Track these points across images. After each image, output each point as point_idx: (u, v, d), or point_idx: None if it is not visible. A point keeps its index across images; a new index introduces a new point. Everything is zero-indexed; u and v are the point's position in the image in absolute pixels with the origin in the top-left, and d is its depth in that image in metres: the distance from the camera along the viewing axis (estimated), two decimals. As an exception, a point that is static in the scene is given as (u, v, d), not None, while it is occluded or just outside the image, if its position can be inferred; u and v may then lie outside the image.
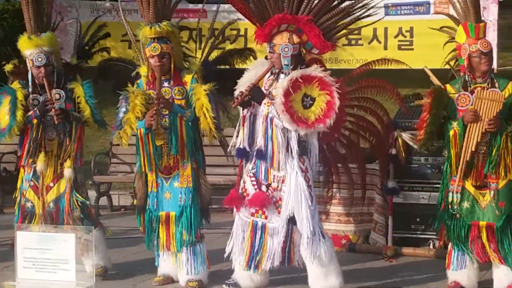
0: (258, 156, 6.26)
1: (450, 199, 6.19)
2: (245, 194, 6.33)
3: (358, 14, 6.39)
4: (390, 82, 6.74)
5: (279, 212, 6.23)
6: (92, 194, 10.12)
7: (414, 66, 8.66)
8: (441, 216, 6.31)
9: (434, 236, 7.50)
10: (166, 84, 6.56)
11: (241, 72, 6.55)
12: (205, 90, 6.43)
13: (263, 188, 6.26)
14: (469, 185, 6.16)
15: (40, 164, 6.77)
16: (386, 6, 9.78)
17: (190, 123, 6.49)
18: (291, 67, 6.14)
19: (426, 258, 7.43)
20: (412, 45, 9.68)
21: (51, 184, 6.82)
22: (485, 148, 6.08)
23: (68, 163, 6.80)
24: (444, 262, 6.51)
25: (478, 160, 6.10)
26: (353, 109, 6.69)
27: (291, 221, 6.18)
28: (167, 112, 6.47)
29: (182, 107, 6.51)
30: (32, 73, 6.76)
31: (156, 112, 6.36)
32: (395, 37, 9.78)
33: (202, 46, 7.28)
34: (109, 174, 10.15)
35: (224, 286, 6.55)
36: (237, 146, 6.35)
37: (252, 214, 6.33)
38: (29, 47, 6.75)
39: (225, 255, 6.45)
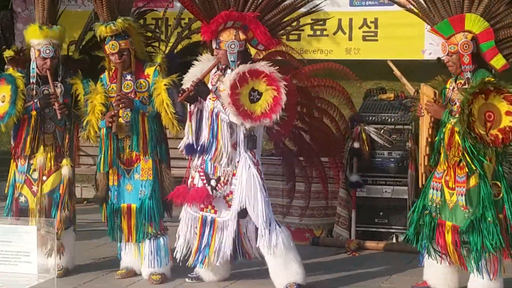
0: (201, 152, 6.28)
1: (430, 196, 6.04)
2: (191, 188, 6.34)
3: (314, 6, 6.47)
4: (353, 74, 6.78)
5: (229, 206, 6.25)
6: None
7: (379, 57, 8.71)
8: (418, 213, 6.13)
9: (397, 230, 7.56)
10: (128, 77, 6.56)
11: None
12: (166, 85, 6.44)
13: (213, 182, 6.27)
14: (444, 183, 6.01)
15: (40, 158, 6.69)
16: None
17: (152, 118, 6.49)
18: (237, 63, 6.17)
19: (389, 251, 7.48)
20: (376, 36, 9.71)
21: (44, 178, 6.74)
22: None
23: (66, 161, 6.73)
24: (407, 255, 6.54)
25: (452, 160, 5.89)
26: (306, 109, 6.72)
27: (239, 214, 6.20)
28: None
29: (143, 102, 6.51)
30: (36, 64, 6.68)
31: (115, 114, 6.39)
32: (360, 28, 9.82)
33: (169, 36, 7.26)
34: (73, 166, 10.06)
35: (186, 279, 6.55)
36: (185, 142, 6.35)
37: (202, 209, 6.34)
38: (39, 37, 6.65)
39: (175, 252, 6.45)
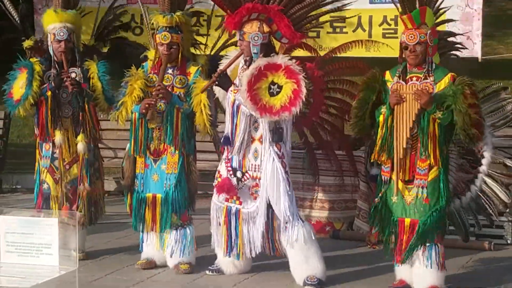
0: (224, 143, 6.30)
1: (382, 190, 6.01)
2: (219, 179, 6.38)
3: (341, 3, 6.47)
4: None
5: (254, 198, 6.26)
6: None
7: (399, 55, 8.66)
8: (375, 209, 6.12)
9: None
10: (169, 71, 6.61)
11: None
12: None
13: (238, 174, 6.29)
14: (395, 178, 5.91)
15: (58, 138, 6.77)
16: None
17: (186, 114, 6.53)
18: (260, 55, 6.16)
19: (409, 245, 7.45)
20: (396, 33, 9.66)
21: (67, 167, 6.83)
22: (412, 141, 5.83)
23: (80, 137, 6.82)
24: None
25: (406, 153, 5.84)
26: (334, 93, 6.70)
27: (270, 207, 6.21)
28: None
29: (180, 98, 6.55)
30: (52, 48, 6.77)
31: (153, 103, 6.42)
32: (380, 25, 9.79)
33: (215, 37, 7.44)
34: (93, 159, 10.10)
35: (207, 272, 6.58)
36: (224, 134, 6.38)
37: (227, 200, 6.36)
38: (54, 21, 6.78)
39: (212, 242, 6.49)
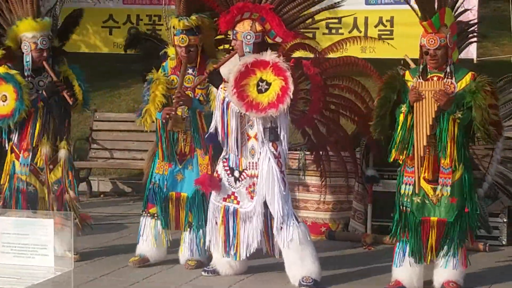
0: (209, 139, 6.36)
1: (402, 191, 6.00)
2: (217, 178, 6.38)
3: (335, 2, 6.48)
4: (375, 70, 6.74)
5: (251, 198, 6.26)
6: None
7: (394, 56, 8.67)
8: (400, 216, 6.08)
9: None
10: (190, 71, 6.66)
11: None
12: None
13: (236, 173, 6.29)
14: (421, 179, 5.94)
15: (44, 148, 6.80)
16: (367, -5, 9.83)
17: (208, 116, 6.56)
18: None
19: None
20: (392, 34, 9.70)
21: (51, 166, 6.85)
22: (434, 140, 5.87)
23: (62, 144, 6.86)
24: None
25: (430, 152, 5.88)
26: (333, 89, 6.69)
27: (267, 206, 6.22)
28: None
29: (202, 99, 6.60)
30: (32, 56, 6.76)
31: (172, 111, 6.49)
32: (376, 26, 9.80)
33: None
34: (89, 160, 10.11)
35: (202, 273, 6.58)
36: (210, 130, 6.40)
37: (224, 199, 6.37)
38: (35, 30, 6.77)
39: (207, 242, 6.50)
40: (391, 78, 6.03)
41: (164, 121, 6.56)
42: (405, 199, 5.99)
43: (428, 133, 5.79)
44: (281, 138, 6.20)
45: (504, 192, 6.43)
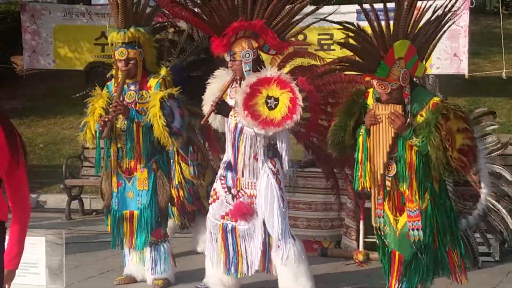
0: (227, 168, 6.31)
1: (377, 224, 5.47)
2: (215, 196, 6.36)
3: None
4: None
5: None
6: (63, 197, 10.12)
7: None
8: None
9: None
10: (132, 87, 6.64)
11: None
12: (162, 98, 6.45)
13: (233, 191, 6.28)
14: (387, 209, 5.42)
15: None
16: (358, 12, 9.82)
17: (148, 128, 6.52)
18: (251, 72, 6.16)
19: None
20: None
21: None
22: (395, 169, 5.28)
23: None
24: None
25: (392, 183, 5.32)
26: (326, 107, 6.67)
27: (265, 224, 6.19)
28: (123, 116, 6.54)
29: (141, 113, 6.54)
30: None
31: (108, 119, 6.43)
32: (368, 42, 9.81)
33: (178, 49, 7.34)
34: (81, 178, 10.10)
35: (195, 290, 6.55)
36: (225, 159, 6.39)
37: (222, 217, 6.34)
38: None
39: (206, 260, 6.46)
40: (351, 102, 5.52)
41: (101, 128, 6.47)
42: (379, 233, 5.56)
43: (385, 160, 5.27)
44: (282, 154, 6.16)
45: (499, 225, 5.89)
